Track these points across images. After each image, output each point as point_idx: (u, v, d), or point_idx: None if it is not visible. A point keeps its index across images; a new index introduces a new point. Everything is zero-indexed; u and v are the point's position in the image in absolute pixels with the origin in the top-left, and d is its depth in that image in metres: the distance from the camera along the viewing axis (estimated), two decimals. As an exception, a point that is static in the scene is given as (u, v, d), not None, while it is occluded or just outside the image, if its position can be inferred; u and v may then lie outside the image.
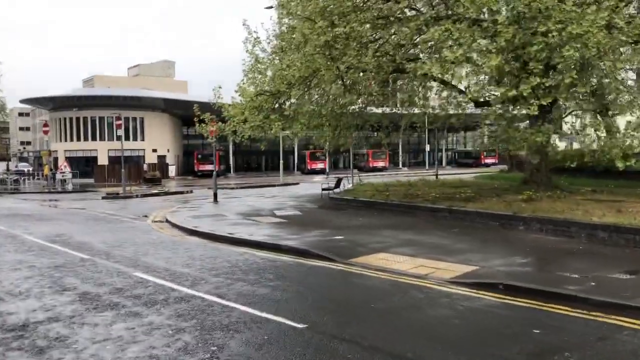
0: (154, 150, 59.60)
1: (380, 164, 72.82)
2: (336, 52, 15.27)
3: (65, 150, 57.37)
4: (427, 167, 74.42)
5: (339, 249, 12.14)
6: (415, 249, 11.91)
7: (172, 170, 58.16)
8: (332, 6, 15.32)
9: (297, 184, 41.15)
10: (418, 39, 13.85)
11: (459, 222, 15.20)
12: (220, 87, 21.17)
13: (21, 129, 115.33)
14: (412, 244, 12.57)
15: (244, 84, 20.83)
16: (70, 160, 50.95)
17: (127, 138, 58.13)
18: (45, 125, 41.39)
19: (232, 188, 37.96)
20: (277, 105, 20.26)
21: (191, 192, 33.72)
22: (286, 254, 12.04)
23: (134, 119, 58.86)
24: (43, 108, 68.57)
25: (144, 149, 59.29)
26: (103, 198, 30.70)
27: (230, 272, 10.22)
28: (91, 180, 47.70)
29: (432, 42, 12.65)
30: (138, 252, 12.57)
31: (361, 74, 16.62)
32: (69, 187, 39.27)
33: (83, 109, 56.25)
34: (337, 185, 25.22)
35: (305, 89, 19.89)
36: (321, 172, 67.11)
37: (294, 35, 17.34)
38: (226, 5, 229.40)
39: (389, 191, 23.46)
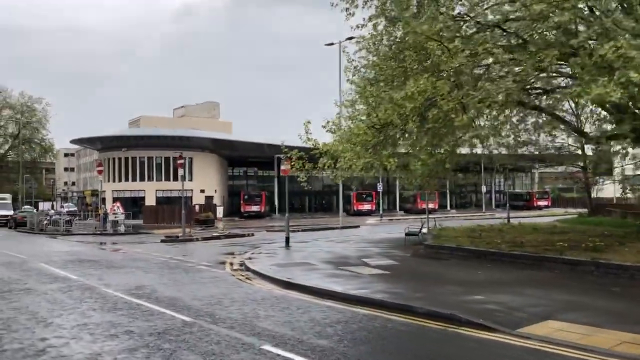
0: (202, 191, 58.39)
1: (430, 205, 70.13)
2: (464, 77, 13.33)
3: (113, 191, 56.59)
4: (477, 210, 71.43)
5: (491, 313, 9.87)
6: (589, 316, 9.57)
7: (219, 211, 56.58)
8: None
9: (358, 226, 39.01)
10: (571, 61, 11.84)
11: (611, 278, 12.81)
12: (309, 122, 19.33)
13: (66, 169, 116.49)
14: (579, 308, 10.24)
15: (340, 116, 19.22)
16: (118, 201, 49.99)
17: (175, 178, 57.23)
18: (100, 165, 40.34)
19: (291, 231, 35.88)
20: (382, 139, 18.26)
21: (252, 234, 31.81)
22: (425, 319, 9.82)
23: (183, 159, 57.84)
24: (92, 148, 68.43)
25: (191, 190, 58.01)
26: (162, 241, 29.01)
27: (380, 347, 8.08)
28: (139, 222, 46.37)
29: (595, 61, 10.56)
30: (245, 312, 10.51)
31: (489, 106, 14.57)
32: (122, 229, 37.84)
33: (131, 149, 55.59)
34: (420, 229, 22.99)
35: (419, 121, 17.75)
36: (368, 213, 64.86)
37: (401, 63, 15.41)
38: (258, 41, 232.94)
39: (482, 237, 21.25)
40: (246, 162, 71.96)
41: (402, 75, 15.73)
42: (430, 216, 60.58)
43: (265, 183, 73.71)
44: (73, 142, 61.12)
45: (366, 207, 66.67)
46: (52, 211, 52.80)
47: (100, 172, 39.91)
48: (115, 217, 37.73)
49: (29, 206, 69.17)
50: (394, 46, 16.65)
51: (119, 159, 56.71)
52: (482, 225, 27.23)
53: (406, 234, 23.57)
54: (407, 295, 11.80)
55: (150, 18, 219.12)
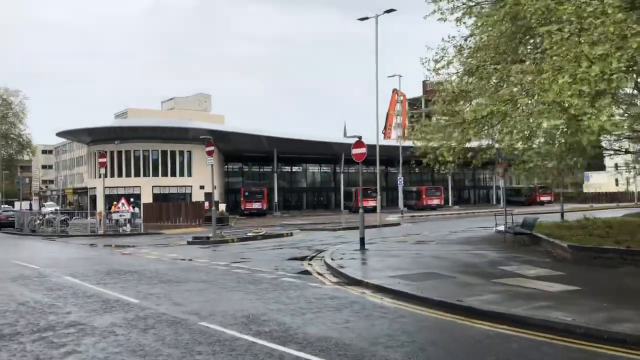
0: (202, 187, 52.94)
1: (435, 201, 66.20)
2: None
3: (105, 187, 50.76)
4: (479, 206, 66.78)
5: None
6: None
7: (222, 209, 51.37)
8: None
9: (398, 224, 34.41)
10: None
11: None
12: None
13: (44, 167, 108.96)
14: None
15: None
16: (111, 198, 44.51)
17: (172, 174, 52.02)
18: (102, 156, 34.83)
19: (324, 230, 31.20)
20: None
21: (291, 234, 26.93)
22: None
23: (181, 152, 52.55)
24: (80, 141, 62.43)
25: (190, 186, 52.78)
26: (190, 243, 23.99)
27: None
28: (137, 220, 40.88)
29: None
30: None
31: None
32: (127, 229, 32.57)
33: (124, 141, 49.83)
34: (528, 225, 18.44)
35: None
36: (372, 210, 60.37)
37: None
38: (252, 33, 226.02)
39: (609, 235, 16.93)
40: (242, 157, 66.78)
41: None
42: (434, 212, 56.72)
43: (262, 180, 68.68)
44: (60, 134, 55.09)
45: (371, 203, 62.12)
46: (49, 209, 46.82)
47: (102, 164, 34.44)
48: (121, 216, 32.44)
49: (7, 205, 62.85)
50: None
51: (111, 152, 50.88)
52: (567, 221, 22.92)
53: (502, 231, 19.22)
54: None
55: (118, 15, 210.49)
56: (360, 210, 19.15)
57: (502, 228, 23.47)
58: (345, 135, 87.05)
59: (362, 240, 18.56)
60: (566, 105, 8.28)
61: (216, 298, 10.76)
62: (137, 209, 33.81)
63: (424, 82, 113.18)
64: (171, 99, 78.59)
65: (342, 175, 68.09)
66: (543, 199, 71.85)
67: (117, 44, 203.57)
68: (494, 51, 14.07)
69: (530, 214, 26.67)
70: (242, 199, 57.61)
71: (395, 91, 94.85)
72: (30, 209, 66.68)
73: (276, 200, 61.70)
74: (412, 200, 66.08)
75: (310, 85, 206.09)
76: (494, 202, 76.88)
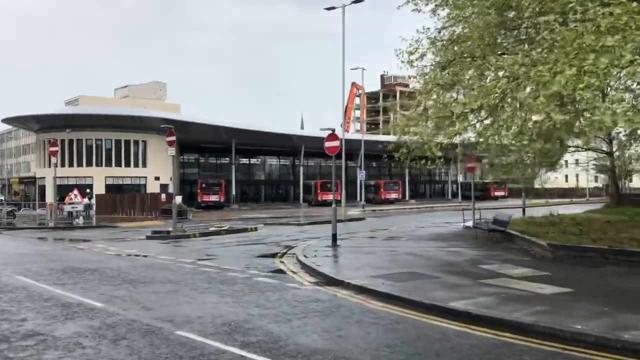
0: (157, 178, 51.43)
1: (393, 195, 66.38)
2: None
3: (54, 178, 48.38)
4: (435, 200, 67.25)
5: None
6: None
7: (178, 201, 49.80)
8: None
9: (363, 219, 33.89)
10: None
11: None
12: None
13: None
14: None
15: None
16: (62, 189, 42.44)
17: (127, 164, 50.16)
18: (54, 144, 32.88)
19: (289, 224, 30.44)
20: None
21: (256, 229, 25.99)
22: None
23: (136, 142, 50.78)
24: (28, 129, 59.42)
25: (145, 177, 51.08)
26: (150, 238, 22.80)
27: None
28: (91, 213, 39.01)
29: None
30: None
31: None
32: (80, 221, 30.95)
33: (76, 130, 47.54)
34: (501, 222, 18.17)
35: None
36: (332, 204, 59.96)
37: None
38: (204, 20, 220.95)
39: (582, 232, 16.89)
40: (198, 147, 64.98)
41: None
42: (393, 207, 56.64)
43: (219, 171, 67.05)
44: (5, 121, 52.25)
45: (330, 197, 61.52)
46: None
47: (54, 152, 32.55)
48: (73, 207, 30.77)
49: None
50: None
51: (62, 141, 48.46)
52: (534, 218, 22.90)
53: (471, 227, 18.98)
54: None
55: (69, 2, 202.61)
56: (333, 205, 18.51)
57: (470, 224, 23.30)
58: (302, 127, 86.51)
59: (334, 237, 17.92)
60: (577, 98, 7.79)
61: (189, 301, 9.86)
62: (92, 201, 32.11)
63: (381, 76, 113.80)
64: (125, 86, 75.84)
65: (301, 168, 67.36)
66: (497, 194, 73.08)
67: (67, 31, 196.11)
68: (479, 42, 13.57)
69: (492, 209, 26.65)
70: (199, 190, 56.10)
71: (354, 85, 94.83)
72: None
73: (234, 192, 60.49)
74: (371, 194, 65.86)
75: (269, 77, 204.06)
76: (449, 197, 77.82)
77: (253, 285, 11.54)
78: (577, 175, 76.68)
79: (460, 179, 69.50)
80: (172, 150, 23.79)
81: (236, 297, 10.28)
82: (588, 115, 9.24)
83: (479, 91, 11.09)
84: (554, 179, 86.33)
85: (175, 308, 9.29)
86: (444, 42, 18.01)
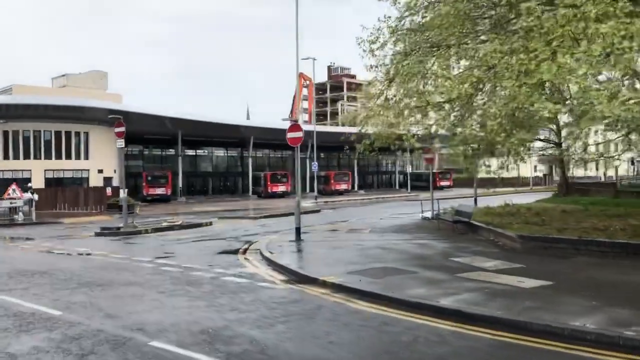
0: (100, 171, 49.24)
1: (343, 186, 66.26)
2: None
3: (-11, 171, 45.52)
4: (383, 190, 67.53)
5: None
6: None
7: (122, 194, 47.89)
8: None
9: (319, 211, 33.34)
10: None
11: None
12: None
13: None
14: None
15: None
16: (14, 183, 39.89)
17: (67, 156, 47.77)
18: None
19: (248, 218, 29.63)
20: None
21: (211, 224, 25.01)
22: None
23: (77, 133, 48.37)
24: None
25: (88, 170, 48.82)
26: (99, 234, 21.52)
27: None
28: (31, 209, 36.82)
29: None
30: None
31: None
32: (20, 218, 29.09)
33: (11, 120, 44.76)
34: (464, 213, 18.06)
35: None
36: (282, 195, 59.23)
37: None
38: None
39: (545, 222, 17.01)
40: (142, 139, 62.56)
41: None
42: (344, 198, 56.53)
43: (164, 163, 64.93)
44: None
45: (281, 188, 60.99)
46: None
47: (-11, 145, 30.36)
48: (12, 203, 28.86)
49: None
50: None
51: (-4, 132, 45.71)
52: (491, 208, 23.00)
53: (429, 218, 18.80)
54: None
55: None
56: (297, 198, 17.87)
57: (429, 215, 23.24)
58: (248, 118, 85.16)
59: (297, 231, 17.31)
60: (568, 86, 7.52)
61: (158, 306, 9.08)
62: (35, 196, 30.17)
63: (328, 67, 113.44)
64: (63, 75, 72.05)
65: (250, 159, 66.21)
66: (442, 183, 73.94)
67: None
68: (447, 30, 13.26)
69: (443, 199, 26.67)
70: (144, 184, 54.11)
71: (301, 75, 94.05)
72: None
73: (181, 185, 58.82)
74: (321, 184, 65.29)
75: (214, 67, 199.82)
76: (397, 187, 78.48)
77: (222, 285, 10.84)
78: (517, 165, 78.63)
79: (409, 169, 70.04)
80: (122, 142, 22.50)
81: (208, 300, 9.56)
82: (578, 103, 9.00)
83: (454, 80, 10.72)
84: (494, 169, 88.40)
85: (144, 315, 8.50)
86: (405, 32, 17.72)
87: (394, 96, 20.32)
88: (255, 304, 9.20)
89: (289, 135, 17.28)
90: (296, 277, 11.56)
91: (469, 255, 13.34)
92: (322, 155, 71.97)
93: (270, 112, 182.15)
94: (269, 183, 60.83)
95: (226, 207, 40.65)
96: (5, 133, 45.79)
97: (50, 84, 72.32)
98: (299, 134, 17.13)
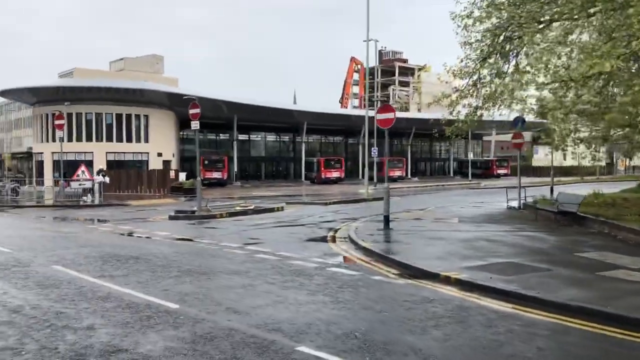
0: (160, 154, 49.21)
1: (397, 173, 64.53)
2: None
3: (52, 153, 45.99)
4: (437, 178, 65.29)
5: None
6: None
7: (182, 178, 47.85)
8: None
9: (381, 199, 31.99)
10: None
11: None
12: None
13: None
14: None
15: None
16: (58, 164, 40.24)
17: (128, 139, 47.87)
18: (60, 117, 30.61)
19: (315, 203, 28.71)
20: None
21: (282, 209, 24.20)
22: None
23: (137, 116, 48.33)
24: (24, 101, 56.71)
25: (147, 153, 48.81)
26: (172, 218, 20.93)
27: None
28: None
29: None
30: None
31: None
32: (88, 199, 28.94)
33: (75, 103, 44.95)
34: (568, 202, 16.56)
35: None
36: (335, 181, 58.11)
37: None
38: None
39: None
40: (199, 123, 62.38)
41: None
42: (398, 185, 54.94)
43: (219, 148, 64.75)
44: (0, 93, 49.50)
45: (334, 174, 59.89)
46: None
47: (60, 126, 30.34)
48: (81, 185, 28.74)
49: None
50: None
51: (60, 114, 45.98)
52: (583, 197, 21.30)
53: (519, 207, 17.63)
54: None
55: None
56: (386, 184, 16.77)
57: (514, 204, 21.79)
58: (294, 103, 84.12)
59: (386, 219, 16.24)
60: None
61: (278, 301, 8.12)
62: (107, 178, 30.03)
63: (379, 51, 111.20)
64: (121, 59, 72.75)
65: (303, 144, 65.23)
66: (500, 171, 71.55)
67: (55, 4, 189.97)
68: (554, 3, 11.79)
69: (511, 188, 25.08)
70: (201, 167, 53.78)
71: (353, 59, 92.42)
72: None
73: (235, 169, 58.56)
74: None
75: (257, 52, 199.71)
76: (451, 175, 76.33)
77: (333, 277, 9.84)
78: (579, 154, 75.26)
79: (470, 156, 67.86)
80: (196, 124, 21.76)
81: (328, 294, 8.57)
82: None
83: (603, 51, 9.29)
84: (543, 157, 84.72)
85: (268, 310, 7.55)
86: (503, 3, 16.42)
87: (486, 76, 18.94)
88: (386, 301, 8.16)
89: (380, 116, 16.12)
90: (410, 271, 10.45)
91: (593, 250, 11.95)
92: (372, 141, 70.50)
93: (315, 98, 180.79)
94: (322, 169, 59.67)
95: (284, 192, 39.91)
96: (69, 115, 46.06)
97: (108, 67, 73.22)
98: (391, 115, 15.95)
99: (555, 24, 16.30)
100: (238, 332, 6.53)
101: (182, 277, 9.77)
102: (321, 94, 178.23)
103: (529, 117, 22.75)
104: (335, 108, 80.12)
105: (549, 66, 12.80)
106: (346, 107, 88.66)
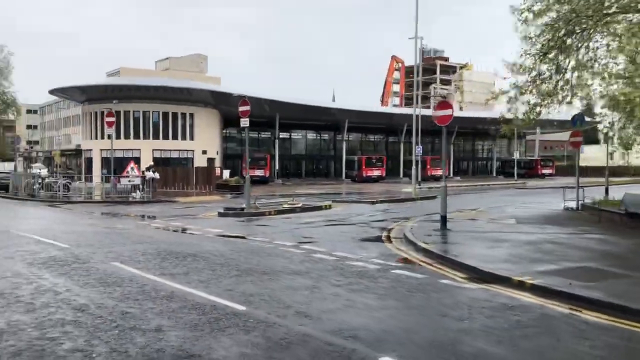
0: (204, 152, 49.56)
1: (439, 172, 63.38)
2: None
3: (101, 150, 46.82)
4: (479, 177, 63.58)
5: None
6: None
7: (225, 175, 47.98)
8: None
9: (434, 197, 31.36)
10: None
11: None
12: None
13: (29, 127, 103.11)
14: None
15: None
16: (106, 161, 40.95)
17: (174, 137, 48.32)
18: (110, 114, 31.03)
19: (352, 202, 28.21)
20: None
21: (329, 207, 23.80)
22: None
23: (183, 115, 48.77)
24: (74, 100, 57.99)
25: (192, 150, 49.22)
26: (222, 215, 20.77)
27: None
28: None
29: None
30: None
31: None
32: (137, 195, 29.15)
33: (123, 101, 45.63)
34: (636, 204, 15.63)
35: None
36: (376, 180, 57.36)
37: None
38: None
39: None
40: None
41: None
42: (441, 184, 53.84)
43: (260, 146, 64.81)
44: (52, 92, 50.67)
45: (376, 173, 59.21)
46: (44, 172, 42.88)
47: (110, 124, 30.71)
48: (130, 181, 28.98)
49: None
50: None
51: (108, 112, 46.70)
52: None
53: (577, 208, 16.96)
54: None
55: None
56: (443, 183, 16.11)
57: (572, 205, 20.82)
58: (333, 101, 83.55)
59: (443, 219, 15.65)
60: None
61: (348, 305, 7.68)
62: (157, 175, 30.24)
63: (422, 49, 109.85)
64: (166, 58, 73.72)
65: (343, 143, 64.75)
66: (544, 171, 69.44)
67: (99, 4, 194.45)
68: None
69: (557, 188, 23.95)
70: (244, 165, 54.07)
71: (394, 58, 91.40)
72: (15, 170, 62.25)
73: (277, 167, 58.54)
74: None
75: (296, 51, 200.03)
76: (493, 174, 74.60)
77: (399, 280, 9.35)
78: (623, 154, 72.49)
79: (516, 155, 66.10)
80: (246, 121, 21.52)
81: (398, 299, 8.10)
82: None
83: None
84: (594, 156, 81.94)
85: (340, 315, 7.12)
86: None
87: (545, 72, 18.19)
88: (462, 308, 7.62)
89: (438, 113, 15.52)
90: (478, 275, 9.87)
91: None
92: (409, 139, 69.38)
93: (354, 97, 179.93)
94: (364, 167, 59.04)
95: (326, 190, 39.57)
96: (117, 113, 46.74)
97: (154, 66, 74.32)
98: (449, 112, 15.33)
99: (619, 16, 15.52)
100: (313, 339, 6.12)
101: (243, 277, 9.44)
102: (360, 93, 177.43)
103: (596, 109, 21.79)
104: (375, 106, 79.27)
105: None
106: (386, 106, 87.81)
